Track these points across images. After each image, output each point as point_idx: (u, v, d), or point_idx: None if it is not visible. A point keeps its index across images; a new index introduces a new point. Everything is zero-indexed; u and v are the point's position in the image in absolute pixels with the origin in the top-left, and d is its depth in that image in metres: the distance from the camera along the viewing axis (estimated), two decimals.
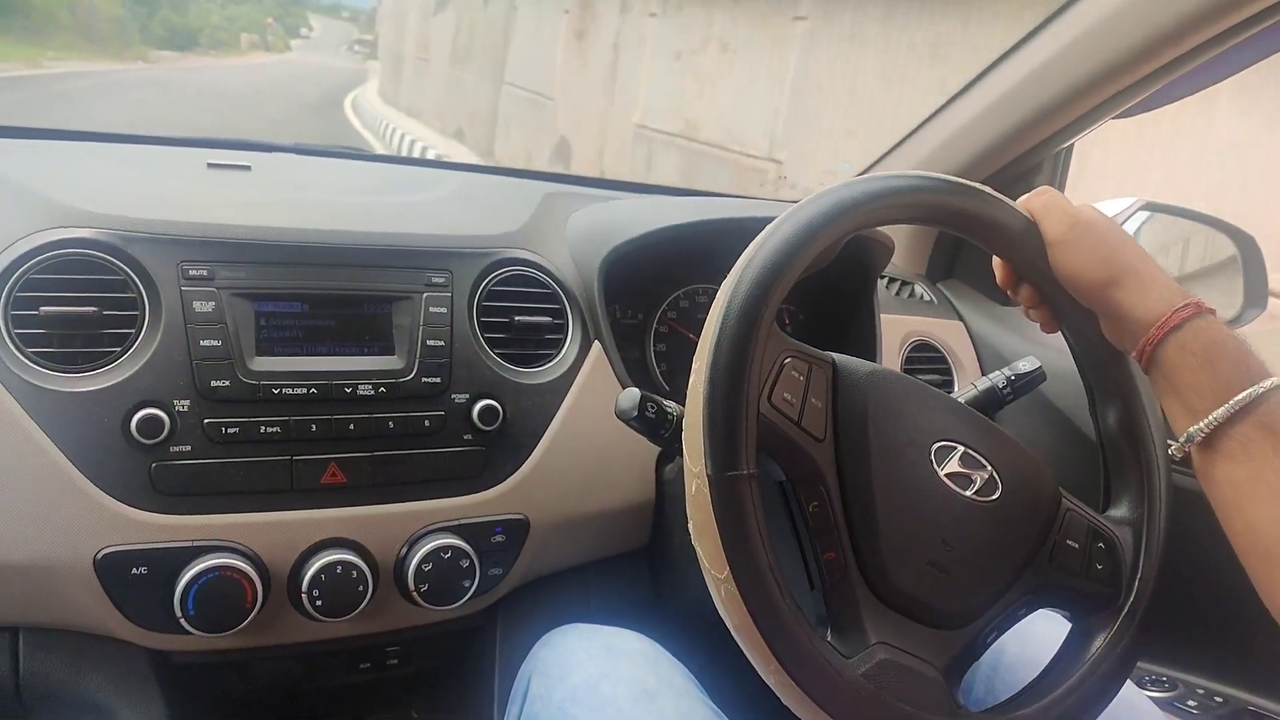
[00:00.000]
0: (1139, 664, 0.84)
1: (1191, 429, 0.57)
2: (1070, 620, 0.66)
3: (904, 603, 0.59)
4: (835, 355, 0.62)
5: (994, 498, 0.62)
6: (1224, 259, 1.27)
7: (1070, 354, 0.70)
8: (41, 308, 0.73)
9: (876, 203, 0.60)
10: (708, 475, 0.54)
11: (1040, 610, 0.64)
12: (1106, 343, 0.65)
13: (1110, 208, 1.17)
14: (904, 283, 1.25)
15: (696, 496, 0.55)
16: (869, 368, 0.63)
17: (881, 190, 0.60)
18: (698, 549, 0.56)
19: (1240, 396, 0.55)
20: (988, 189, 0.64)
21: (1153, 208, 1.24)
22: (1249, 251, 1.24)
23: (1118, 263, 0.61)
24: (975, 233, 0.64)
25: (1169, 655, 1.08)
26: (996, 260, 0.68)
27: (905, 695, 0.56)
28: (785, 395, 0.58)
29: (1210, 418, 0.56)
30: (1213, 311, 0.58)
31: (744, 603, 0.53)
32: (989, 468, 0.62)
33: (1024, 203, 0.65)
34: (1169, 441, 0.62)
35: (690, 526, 0.57)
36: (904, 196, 0.61)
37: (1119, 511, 0.68)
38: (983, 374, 1.04)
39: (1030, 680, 0.65)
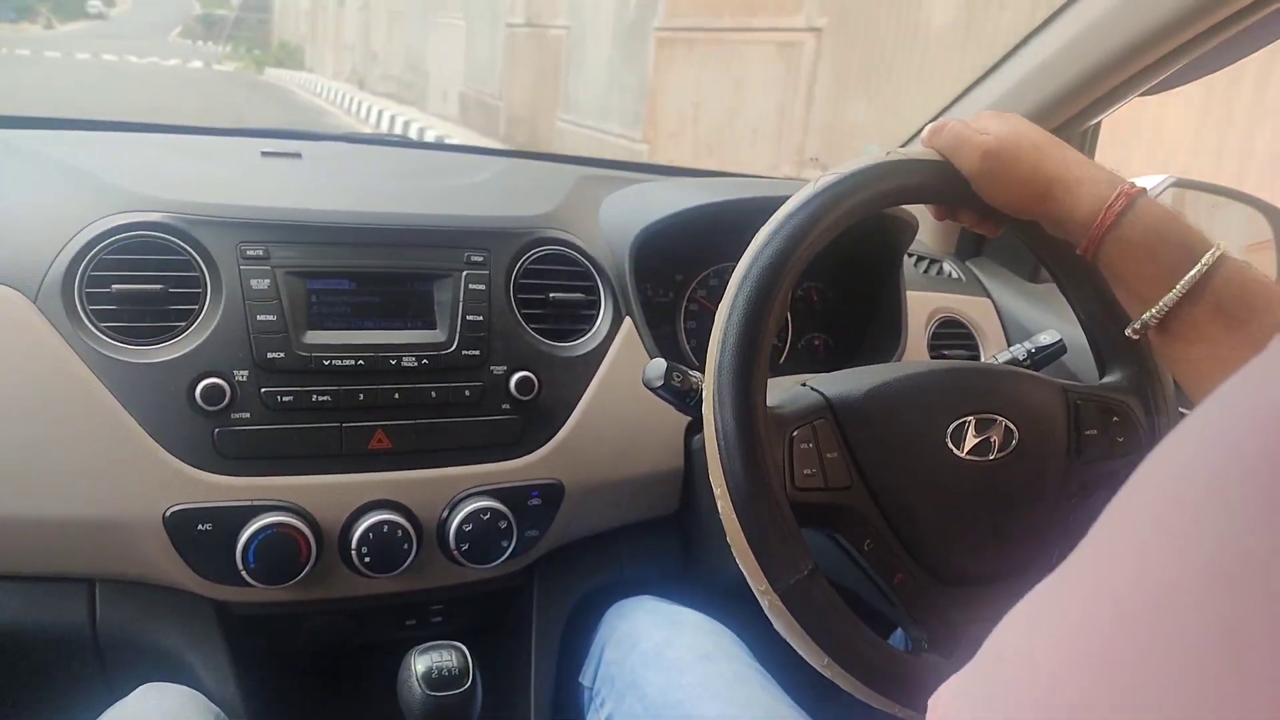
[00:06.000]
0: None
1: (1144, 316, 0.58)
2: None
3: (979, 578, 0.63)
4: (825, 388, 0.64)
5: (1014, 444, 0.65)
6: (1259, 236, 1.27)
7: None
8: (113, 285, 0.79)
9: (798, 248, 0.59)
10: (775, 591, 0.56)
11: None
12: (1054, 237, 0.65)
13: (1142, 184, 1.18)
14: (932, 260, 1.27)
15: (773, 610, 0.58)
16: (864, 387, 0.64)
17: (793, 233, 0.59)
18: (795, 648, 0.59)
19: (1185, 279, 0.55)
20: (890, 155, 0.63)
21: (1184, 184, 1.24)
22: None
23: (1041, 177, 0.60)
24: (905, 201, 0.64)
25: None
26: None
27: None
28: (805, 471, 0.60)
29: (1160, 304, 0.56)
30: (1144, 192, 0.58)
31: (853, 676, 0.57)
32: (1000, 419, 0.65)
33: (928, 143, 0.64)
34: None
35: (780, 631, 0.59)
36: (820, 223, 0.59)
37: (1115, 377, 0.70)
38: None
39: None
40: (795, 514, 0.58)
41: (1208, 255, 0.55)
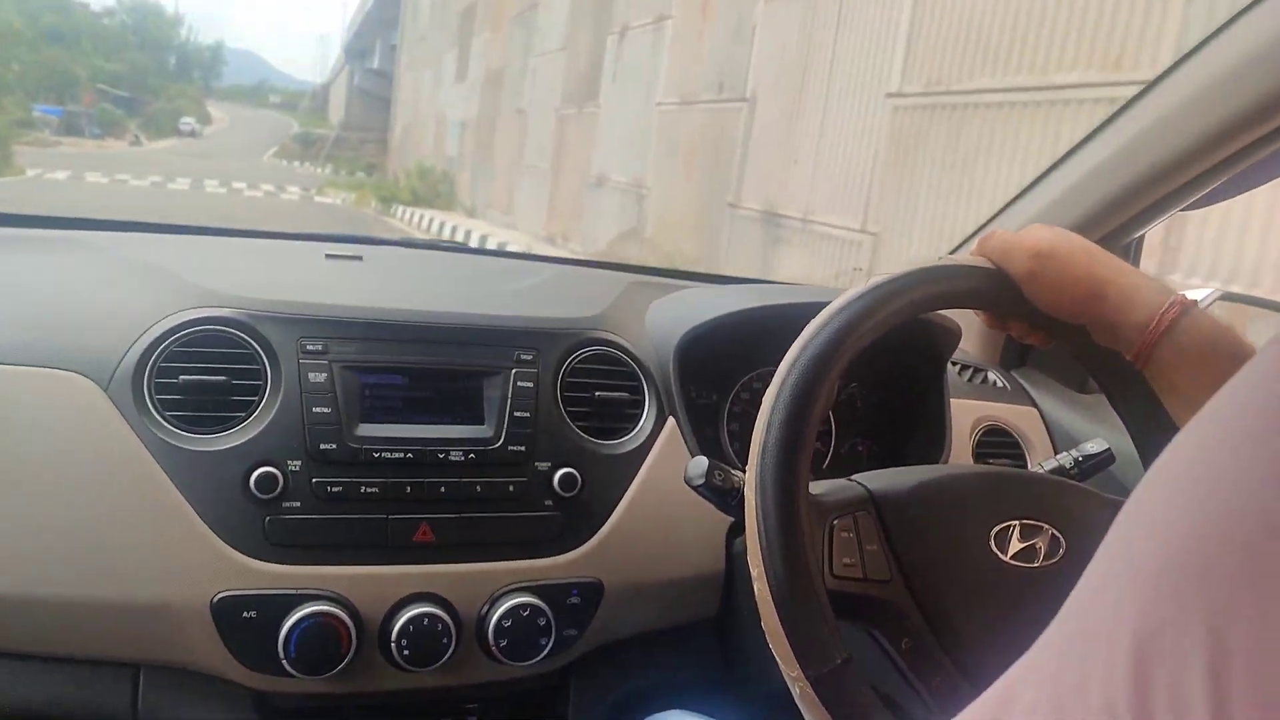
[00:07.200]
0: None
1: None
2: None
3: None
4: (869, 483, 0.64)
5: (1061, 553, 0.64)
6: None
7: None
8: (180, 376, 0.83)
9: (848, 339, 0.59)
10: (807, 678, 0.55)
11: None
12: (1102, 345, 0.65)
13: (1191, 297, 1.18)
14: (976, 369, 1.27)
15: (804, 699, 0.57)
16: (908, 482, 0.64)
17: (844, 326, 0.59)
18: None
19: None
20: (944, 260, 0.64)
21: (1232, 298, 1.24)
22: None
23: (1094, 279, 0.61)
24: (954, 305, 0.65)
25: None
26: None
27: None
28: (844, 560, 0.59)
29: None
30: (1196, 303, 0.58)
31: None
32: (1046, 527, 0.64)
33: (979, 251, 0.65)
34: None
35: None
36: (871, 318, 0.60)
37: None
38: None
39: None
40: (832, 604, 0.57)
41: None
